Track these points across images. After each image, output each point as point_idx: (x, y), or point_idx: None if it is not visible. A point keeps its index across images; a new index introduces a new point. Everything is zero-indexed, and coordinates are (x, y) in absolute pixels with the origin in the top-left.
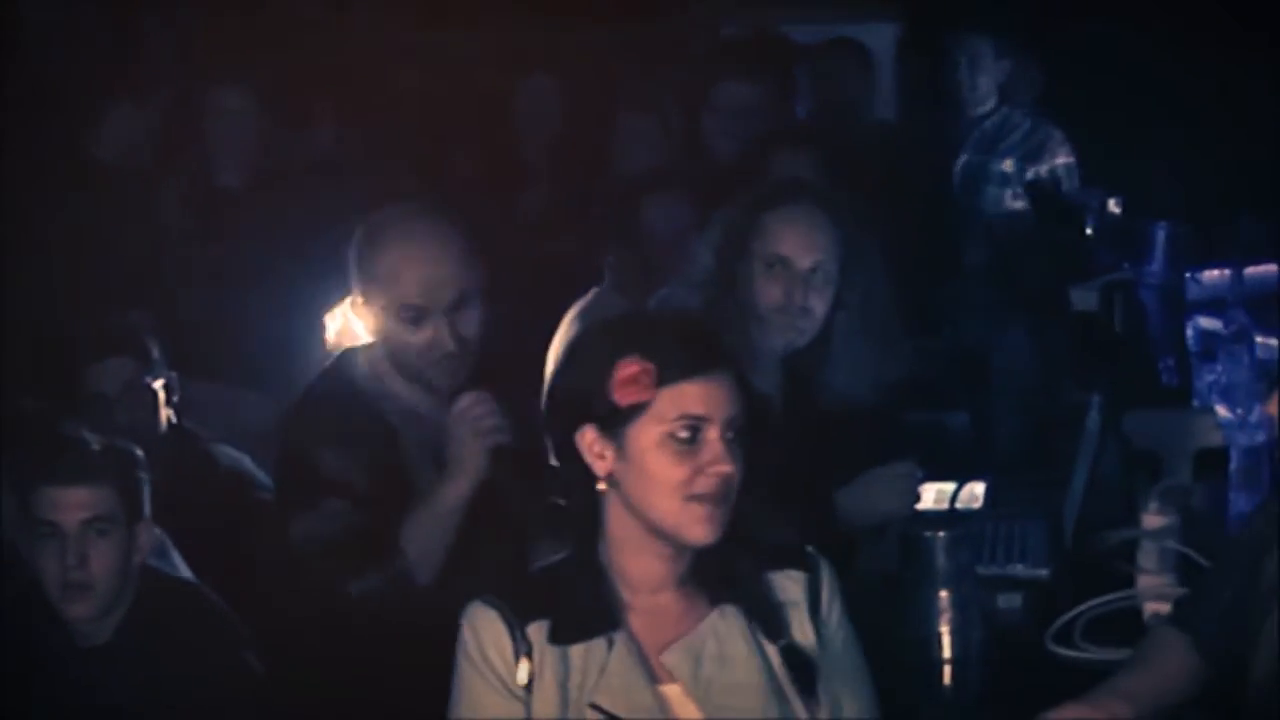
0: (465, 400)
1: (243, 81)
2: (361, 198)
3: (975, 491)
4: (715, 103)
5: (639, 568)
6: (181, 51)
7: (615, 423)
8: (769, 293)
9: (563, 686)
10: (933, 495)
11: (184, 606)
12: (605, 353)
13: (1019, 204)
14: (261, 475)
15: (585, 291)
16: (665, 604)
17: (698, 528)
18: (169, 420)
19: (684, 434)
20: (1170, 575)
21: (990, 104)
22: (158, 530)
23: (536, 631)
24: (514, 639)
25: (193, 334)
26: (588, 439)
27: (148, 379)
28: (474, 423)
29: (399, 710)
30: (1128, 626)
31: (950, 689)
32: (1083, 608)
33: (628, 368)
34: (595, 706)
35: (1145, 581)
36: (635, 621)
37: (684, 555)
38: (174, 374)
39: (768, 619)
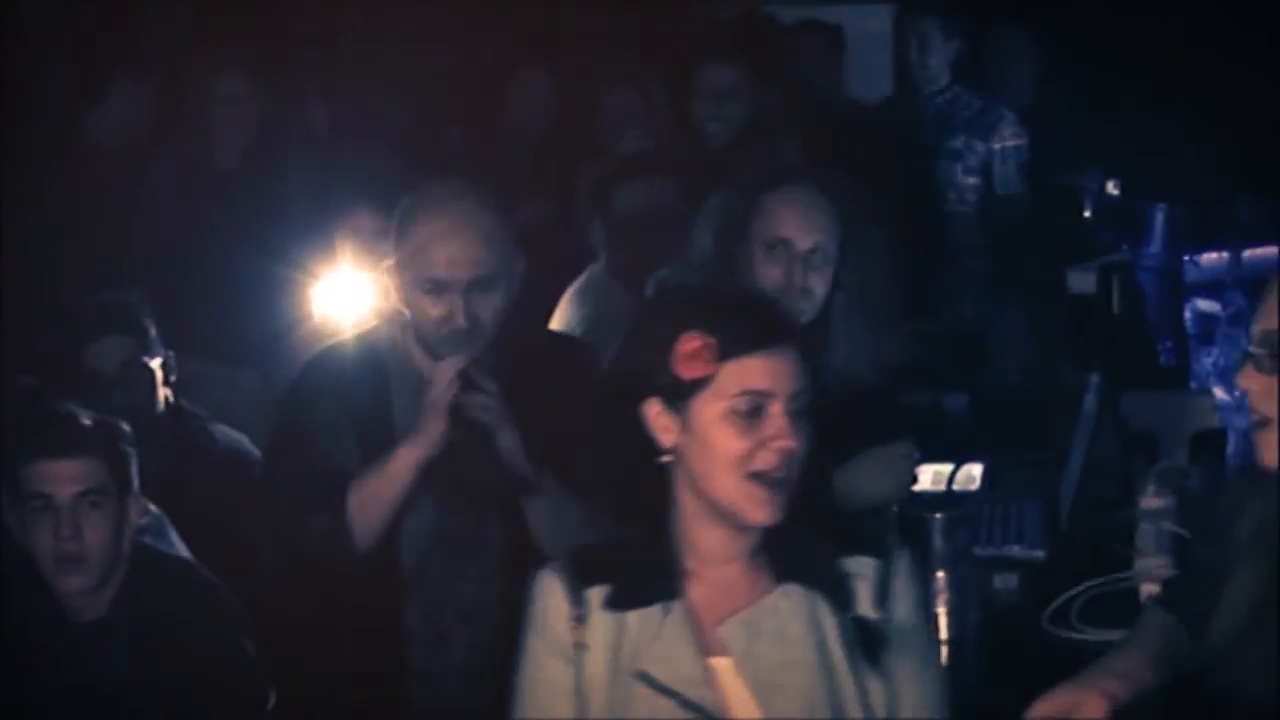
0: (442, 365)
1: (239, 65)
2: (354, 180)
3: (972, 473)
4: (700, 86)
5: (706, 540)
6: (179, 32)
7: (679, 396)
8: (769, 274)
9: (615, 652)
10: (930, 476)
11: (179, 584)
12: (669, 326)
13: (971, 179)
14: (259, 454)
15: (579, 272)
16: (730, 577)
17: (757, 509)
18: (167, 399)
19: (746, 408)
20: (1166, 556)
21: (942, 83)
22: (155, 509)
23: (596, 596)
24: (571, 603)
25: (191, 314)
26: (653, 412)
27: (145, 358)
28: (442, 389)
29: (392, 685)
30: (1124, 607)
31: (947, 669)
32: (1079, 589)
33: (690, 342)
34: (643, 675)
35: (1142, 562)
36: (696, 592)
37: (751, 530)
38: (171, 353)
39: (833, 594)
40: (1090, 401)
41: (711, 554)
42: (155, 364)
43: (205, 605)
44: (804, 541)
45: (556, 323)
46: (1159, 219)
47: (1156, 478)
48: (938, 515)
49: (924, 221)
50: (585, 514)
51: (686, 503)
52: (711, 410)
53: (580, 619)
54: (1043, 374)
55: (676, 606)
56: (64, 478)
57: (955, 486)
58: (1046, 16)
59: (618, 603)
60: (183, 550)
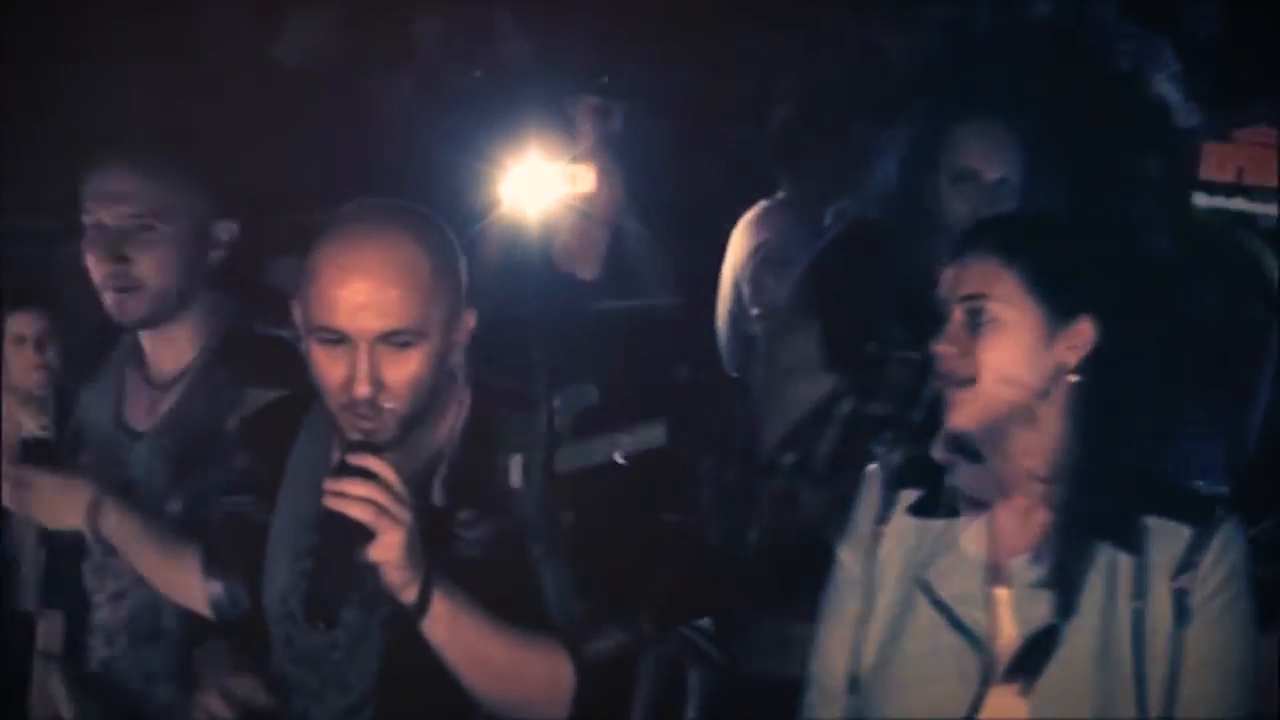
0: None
1: None
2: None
3: None
4: (921, 23)
5: (1001, 465)
6: None
7: None
8: (956, 206)
9: (909, 556)
10: None
11: None
12: None
13: None
14: None
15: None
16: (1040, 514)
17: None
18: None
19: None
20: None
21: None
22: None
23: (907, 499)
24: (882, 503)
25: None
26: None
27: None
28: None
29: None
30: None
31: None
32: (1266, 524)
33: None
34: (922, 583)
35: None
36: (1002, 518)
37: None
38: None
39: (1138, 558)
40: (1276, 337)
41: (1008, 483)
42: None
43: None
44: (1121, 496)
45: (731, 250)
46: None
47: None
48: None
49: (1119, 150)
50: (505, 636)
51: None
52: None
53: (884, 520)
54: (1229, 311)
55: (977, 526)
56: None
57: None
58: None
59: (923, 509)
60: None
